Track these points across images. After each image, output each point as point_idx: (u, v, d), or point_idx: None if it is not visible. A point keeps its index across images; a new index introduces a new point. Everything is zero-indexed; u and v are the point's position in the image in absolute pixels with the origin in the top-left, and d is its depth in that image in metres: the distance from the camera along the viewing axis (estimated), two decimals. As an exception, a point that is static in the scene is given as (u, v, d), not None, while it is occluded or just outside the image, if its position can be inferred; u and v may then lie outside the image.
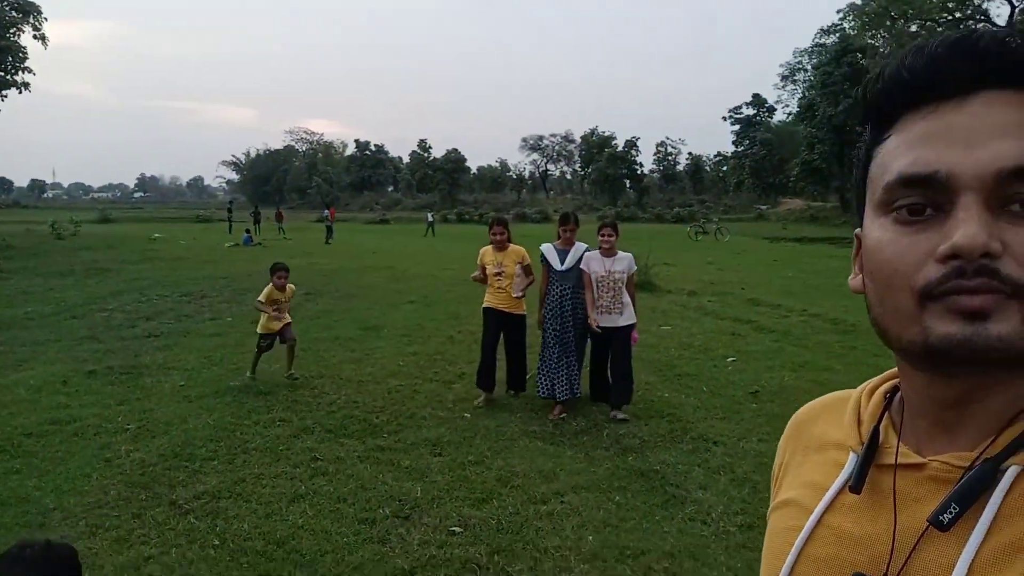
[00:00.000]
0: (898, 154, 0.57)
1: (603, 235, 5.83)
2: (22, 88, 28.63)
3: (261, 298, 7.01)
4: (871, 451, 0.64)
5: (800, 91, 58.67)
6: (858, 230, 0.65)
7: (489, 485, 4.42)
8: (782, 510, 0.72)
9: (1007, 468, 0.54)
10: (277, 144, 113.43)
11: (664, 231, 41.39)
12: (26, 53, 28.52)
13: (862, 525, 0.62)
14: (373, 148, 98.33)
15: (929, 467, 0.59)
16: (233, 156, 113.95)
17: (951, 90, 0.55)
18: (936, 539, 0.56)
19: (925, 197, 0.54)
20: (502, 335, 6.24)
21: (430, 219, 39.24)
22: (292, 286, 7.35)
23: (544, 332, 6.02)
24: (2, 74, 27.51)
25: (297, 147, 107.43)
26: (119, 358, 7.55)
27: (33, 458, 4.72)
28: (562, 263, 5.95)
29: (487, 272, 6.29)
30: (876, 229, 0.58)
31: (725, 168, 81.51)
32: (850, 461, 0.66)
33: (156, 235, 29.03)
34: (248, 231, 27.81)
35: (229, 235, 30.69)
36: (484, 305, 6.35)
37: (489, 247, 6.34)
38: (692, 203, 69.18)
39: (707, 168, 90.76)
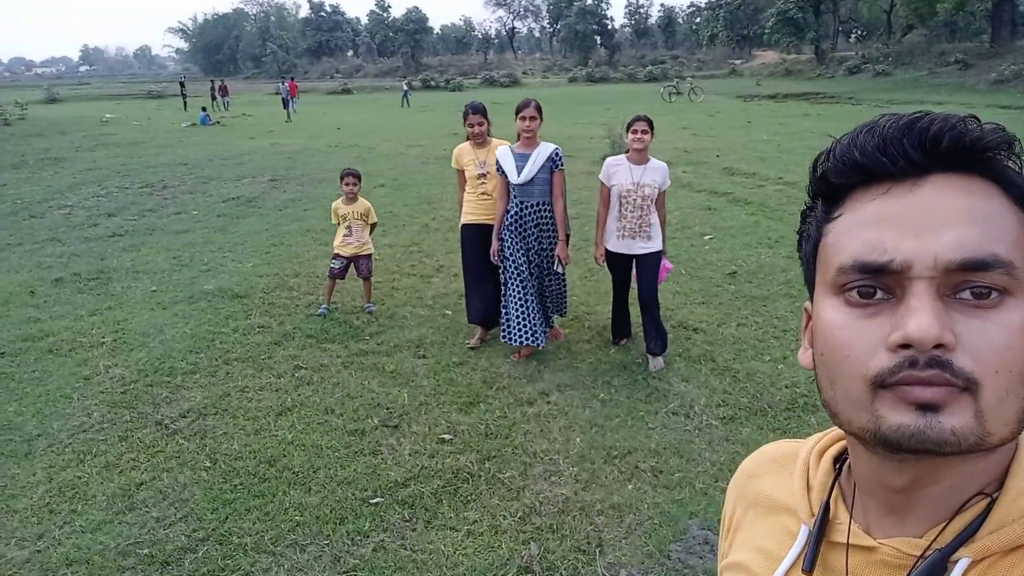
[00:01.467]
0: (851, 236, 0.57)
1: (635, 132, 4.48)
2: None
3: (333, 218, 5.86)
4: (822, 527, 0.65)
5: (777, -67, 55.70)
6: (808, 304, 0.64)
7: (475, 388, 4.46)
8: (733, 573, 0.74)
9: (957, 559, 0.55)
10: (226, 7, 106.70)
11: (637, 92, 40.39)
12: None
13: None
14: (328, 9, 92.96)
15: (880, 551, 0.60)
16: (180, 22, 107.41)
17: (903, 173, 0.55)
18: None
19: (877, 281, 0.54)
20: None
21: (405, 89, 37.41)
22: (366, 202, 5.83)
23: (502, 264, 4.76)
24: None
25: (247, 10, 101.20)
26: (85, 262, 7.33)
27: (10, 380, 4.64)
28: (519, 173, 4.60)
29: (466, 175, 5.07)
30: (827, 309, 0.58)
31: (698, 20, 78.64)
32: (802, 534, 0.67)
33: (108, 116, 27.72)
34: (204, 108, 26.58)
35: (185, 112, 29.39)
36: (463, 221, 5.07)
37: (466, 144, 5.10)
38: (665, 59, 67.35)
39: (680, 20, 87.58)
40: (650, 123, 4.52)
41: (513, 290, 4.66)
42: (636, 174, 4.53)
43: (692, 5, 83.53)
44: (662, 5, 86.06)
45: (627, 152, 4.59)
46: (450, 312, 5.75)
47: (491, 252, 4.79)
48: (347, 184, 5.68)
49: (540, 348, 4.82)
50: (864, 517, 0.63)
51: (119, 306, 6.02)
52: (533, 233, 4.70)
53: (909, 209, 0.54)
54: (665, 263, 4.75)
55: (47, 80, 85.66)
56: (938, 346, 0.50)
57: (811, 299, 0.63)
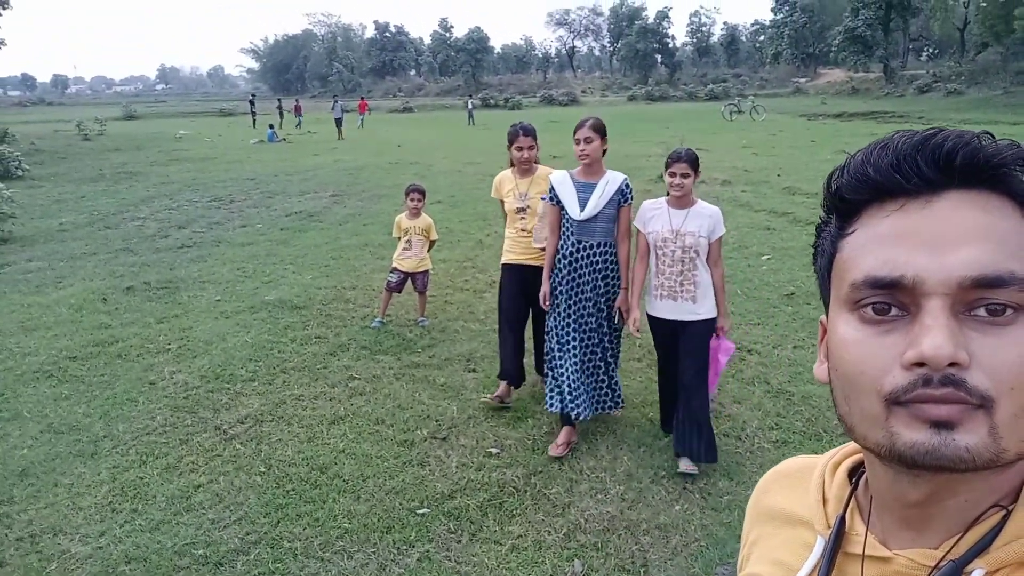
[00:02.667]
0: (865, 252, 0.57)
1: (672, 175, 3.60)
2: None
3: (394, 231, 5.97)
4: (838, 538, 0.65)
5: (846, -50, 54.68)
6: (823, 318, 0.65)
7: (524, 403, 4.48)
8: None
9: (971, 571, 0.55)
10: (295, 29, 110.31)
11: (697, 111, 40.06)
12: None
13: None
14: (393, 30, 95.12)
15: (895, 562, 0.60)
16: (252, 43, 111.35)
17: (917, 190, 0.55)
18: None
19: (891, 298, 0.55)
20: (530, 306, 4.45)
21: (470, 107, 37.74)
22: (428, 218, 5.91)
23: (551, 313, 3.99)
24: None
25: (316, 31, 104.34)
26: (155, 272, 7.65)
27: (80, 383, 4.86)
28: (583, 207, 3.80)
29: (505, 208, 4.53)
30: (842, 325, 0.58)
31: (762, 38, 77.61)
32: (818, 546, 0.67)
33: (181, 132, 28.91)
34: (272, 126, 27.47)
35: (253, 130, 30.42)
36: (503, 260, 4.52)
37: (508, 171, 4.51)
38: (726, 78, 66.57)
39: (743, 39, 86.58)
40: (694, 163, 3.58)
41: (563, 350, 3.93)
42: (676, 220, 3.64)
43: (756, 23, 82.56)
44: (725, 23, 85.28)
45: (667, 195, 3.73)
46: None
47: (540, 296, 3.98)
48: (412, 199, 5.79)
49: (584, 420, 3.98)
50: (881, 529, 0.63)
51: (185, 314, 6.26)
52: (590, 281, 3.85)
53: (923, 225, 0.54)
54: (724, 342, 3.81)
55: (126, 98, 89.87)
56: (952, 364, 0.50)
57: (826, 313, 0.64)
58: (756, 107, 33.07)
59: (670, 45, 77.90)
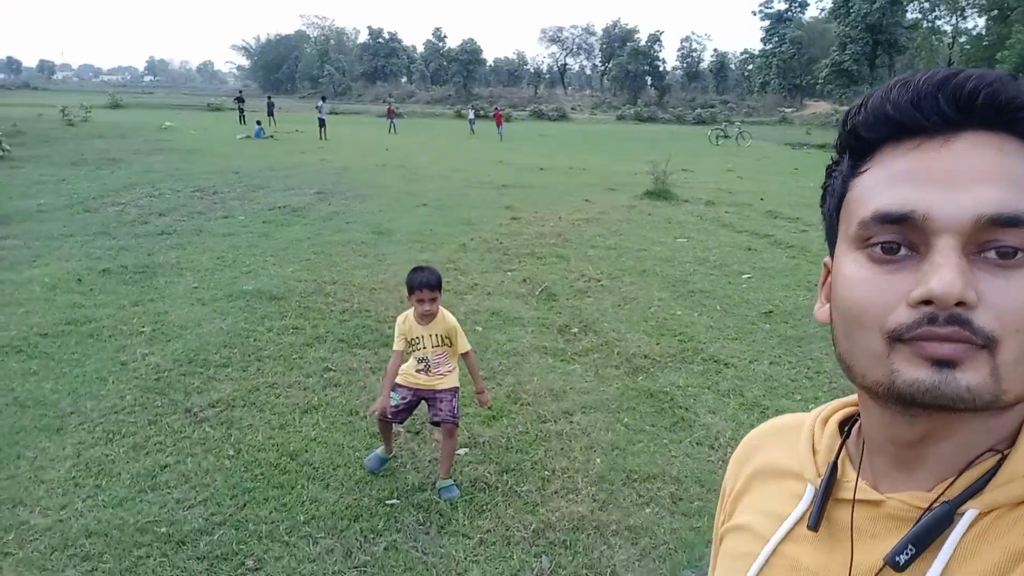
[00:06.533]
0: (876, 190, 0.56)
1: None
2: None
3: (396, 338, 3.53)
4: (829, 485, 0.64)
5: (836, -14, 55.73)
6: (827, 259, 0.65)
7: (499, 402, 4.46)
8: (736, 534, 0.73)
9: (964, 511, 0.55)
10: (288, 29, 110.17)
11: (684, 133, 40.45)
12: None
13: (818, 558, 0.62)
14: (387, 36, 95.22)
15: (887, 505, 0.60)
16: (243, 40, 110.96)
17: (935, 128, 0.54)
18: None
19: (901, 236, 0.54)
20: None
21: (472, 116, 36.69)
22: (451, 319, 3.55)
23: None
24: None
25: (309, 32, 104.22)
26: (133, 256, 7.55)
27: (50, 359, 4.78)
28: None
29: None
30: (848, 264, 0.57)
31: (751, 67, 78.71)
32: (808, 493, 0.66)
33: (167, 124, 28.65)
34: (259, 123, 27.31)
35: (241, 126, 30.22)
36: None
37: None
38: (714, 103, 67.39)
39: (732, 66, 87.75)
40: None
41: None
42: None
43: (745, 52, 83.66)
44: (715, 50, 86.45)
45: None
46: (480, 328, 5.78)
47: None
48: (420, 301, 3.39)
49: None
50: (872, 474, 0.63)
51: (161, 299, 6.18)
52: None
53: (939, 164, 0.54)
54: None
55: (112, 87, 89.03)
56: (959, 304, 0.50)
57: (831, 255, 0.63)
58: (742, 133, 33.49)
59: (660, 68, 78.79)
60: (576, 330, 5.82)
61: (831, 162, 0.65)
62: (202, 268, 7.23)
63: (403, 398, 3.54)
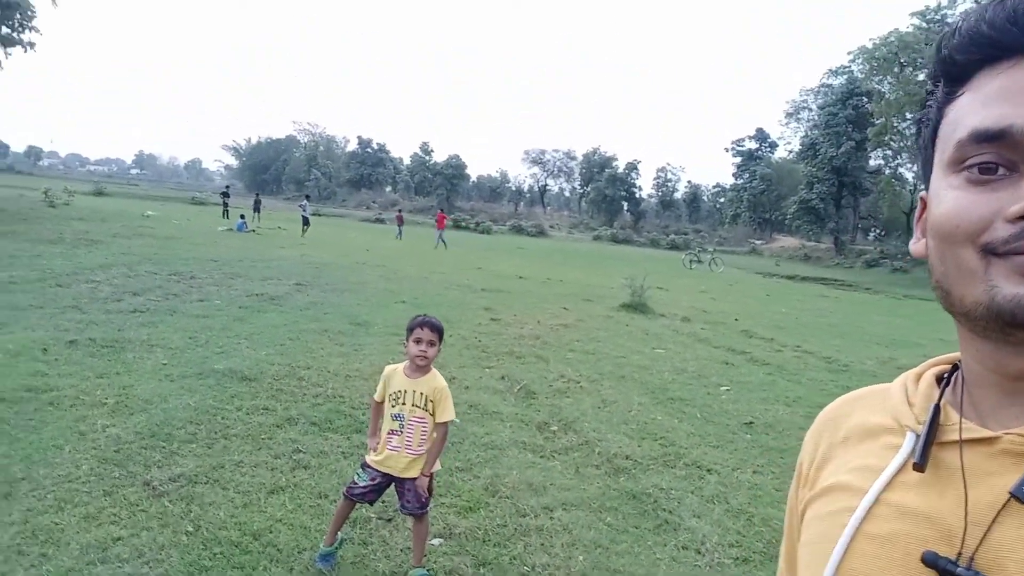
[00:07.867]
0: (972, 110, 0.55)
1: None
2: (27, 47, 27.81)
3: (378, 386, 3.46)
4: (932, 427, 0.61)
5: (803, 130, 59.34)
6: (923, 192, 0.63)
7: (476, 494, 4.27)
8: (826, 496, 0.68)
9: None
10: (280, 134, 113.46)
11: (658, 256, 41.50)
12: (34, 11, 27.71)
13: (927, 501, 0.59)
14: (375, 146, 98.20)
15: (1002, 441, 0.56)
16: (234, 141, 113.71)
17: None
18: (1016, 512, 0.53)
19: (998, 155, 0.52)
20: None
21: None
22: (440, 379, 3.35)
23: None
24: (8, 31, 26.84)
25: (299, 138, 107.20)
26: (102, 330, 7.34)
27: (4, 424, 4.51)
28: None
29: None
30: (945, 187, 0.56)
31: (723, 200, 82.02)
32: (908, 440, 0.63)
33: (149, 212, 28.76)
34: (243, 216, 27.53)
35: (224, 220, 30.41)
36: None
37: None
38: (687, 231, 69.69)
39: (705, 198, 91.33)
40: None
41: None
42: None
43: (718, 185, 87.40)
44: (689, 182, 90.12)
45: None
46: (458, 420, 5.62)
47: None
48: (416, 340, 3.24)
49: None
50: (977, 413, 0.59)
51: (128, 372, 5.96)
52: None
53: None
54: None
55: (98, 176, 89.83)
56: None
57: (927, 189, 0.62)
58: (715, 259, 34.43)
59: (636, 194, 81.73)
60: (555, 428, 5.69)
61: (926, 92, 0.64)
62: (173, 346, 7.03)
63: (372, 479, 3.34)
